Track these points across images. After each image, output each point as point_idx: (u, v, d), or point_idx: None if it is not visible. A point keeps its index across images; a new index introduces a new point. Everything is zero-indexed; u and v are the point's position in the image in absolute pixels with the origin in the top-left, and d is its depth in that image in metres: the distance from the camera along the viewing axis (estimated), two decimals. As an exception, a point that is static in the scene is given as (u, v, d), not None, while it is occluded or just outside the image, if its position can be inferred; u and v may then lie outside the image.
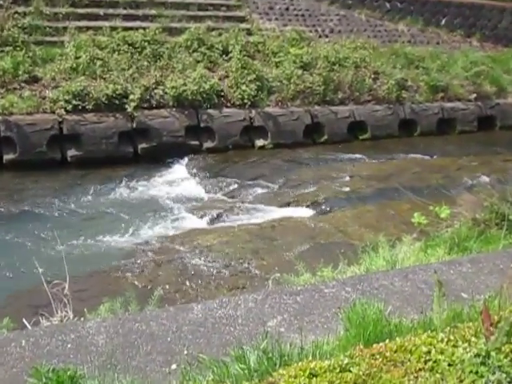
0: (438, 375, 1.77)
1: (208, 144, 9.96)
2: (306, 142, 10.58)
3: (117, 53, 10.08)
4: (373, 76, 11.68)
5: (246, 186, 8.59)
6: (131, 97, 9.36)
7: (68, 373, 1.92)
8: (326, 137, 10.79)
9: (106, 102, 9.17)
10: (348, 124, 11.00)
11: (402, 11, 14.45)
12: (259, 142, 10.27)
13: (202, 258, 5.98)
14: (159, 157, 9.33)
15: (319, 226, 6.90)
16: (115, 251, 6.20)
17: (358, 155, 10.19)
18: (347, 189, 8.40)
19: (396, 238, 4.84)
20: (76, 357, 2.36)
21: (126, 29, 10.64)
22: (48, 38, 10.15)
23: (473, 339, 1.90)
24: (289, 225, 6.99)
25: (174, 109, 9.73)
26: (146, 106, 9.53)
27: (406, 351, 1.89)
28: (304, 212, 7.62)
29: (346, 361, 1.85)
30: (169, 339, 2.51)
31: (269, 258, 6.01)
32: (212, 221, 7.24)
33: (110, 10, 11.13)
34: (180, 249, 6.24)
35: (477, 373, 1.71)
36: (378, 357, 1.87)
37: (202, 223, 7.19)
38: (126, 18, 11.14)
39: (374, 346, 1.97)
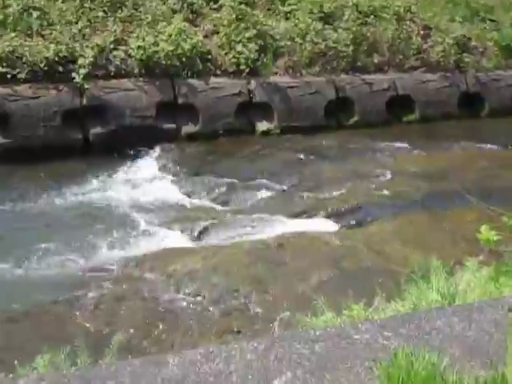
0: None
1: (189, 128, 10.00)
2: (329, 124, 10.61)
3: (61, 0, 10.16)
4: (422, 32, 11.81)
5: (244, 187, 8.63)
6: (80, 61, 9.42)
7: None
8: (356, 118, 10.85)
9: (46, 68, 9.24)
10: (387, 100, 11.04)
11: None
12: (262, 126, 10.33)
13: (181, 290, 5.98)
14: (119, 146, 9.33)
15: (346, 245, 6.90)
16: (59, 280, 6.23)
17: (401, 144, 10.22)
18: (386, 192, 8.43)
19: (455, 261, 4.89)
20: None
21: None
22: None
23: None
24: (303, 243, 6.99)
25: (141, 78, 9.81)
26: (100, 74, 9.61)
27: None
28: (325, 225, 7.65)
29: None
30: (134, 406, 2.57)
31: (275, 289, 6.00)
32: (195, 237, 7.29)
33: None
34: (149, 277, 6.25)
35: None
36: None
37: (182, 240, 7.23)
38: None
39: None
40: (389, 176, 8.93)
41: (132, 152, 9.45)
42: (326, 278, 6.16)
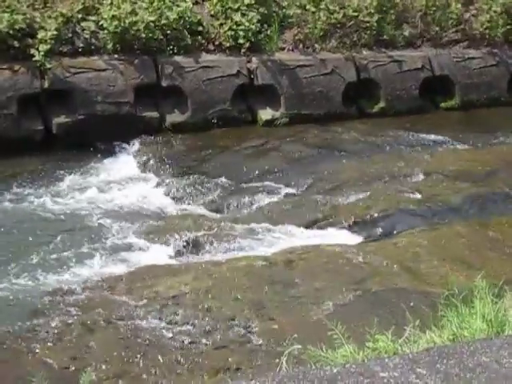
0: None
1: (175, 117, 10.02)
2: (348, 112, 10.63)
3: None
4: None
5: (243, 191, 8.61)
6: (41, 35, 9.41)
7: None
8: (382, 104, 10.87)
9: (-2, 43, 9.23)
10: (421, 81, 11.05)
11: None
12: (265, 114, 10.33)
13: (166, 318, 5.94)
14: (89, 139, 9.35)
15: (370, 262, 6.86)
16: (14, 306, 6.20)
17: (437, 136, 10.21)
18: (418, 195, 8.40)
19: (504, 281, 4.84)
20: None
21: None
22: None
23: None
24: (317, 260, 6.95)
25: (116, 56, 9.82)
26: (66, 50, 9.61)
27: None
28: (344, 237, 7.66)
29: None
30: None
31: (282, 316, 5.97)
32: (183, 252, 7.29)
33: None
34: (126, 301, 6.21)
35: None
36: None
37: (166, 256, 7.24)
38: None
39: None
40: (422, 176, 8.92)
41: (105, 147, 9.45)
42: (345, 302, 6.11)
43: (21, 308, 6.16)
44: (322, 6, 10.81)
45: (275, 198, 8.48)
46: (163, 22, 9.97)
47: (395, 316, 5.15)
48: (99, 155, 9.36)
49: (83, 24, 9.80)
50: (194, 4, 10.54)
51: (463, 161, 9.46)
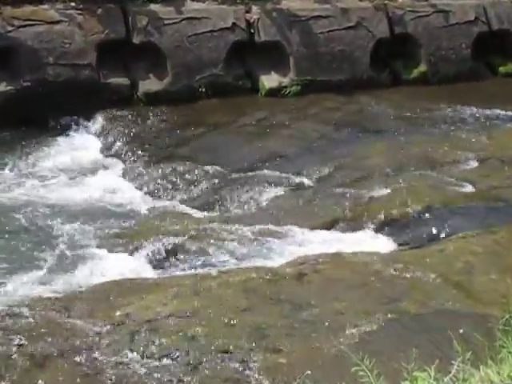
0: None
1: (150, 84, 10.12)
2: (378, 78, 10.78)
3: None
4: None
5: (239, 182, 8.68)
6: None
7: None
8: (422, 68, 10.99)
9: None
10: (474, 38, 11.13)
11: None
12: (269, 81, 10.45)
13: (139, 348, 5.82)
14: (37, 113, 9.40)
15: (407, 275, 6.80)
16: None
17: (495, 111, 10.26)
18: (471, 188, 8.48)
19: None
20: None
21: None
22: None
23: None
24: (337, 272, 6.91)
25: (73, 4, 9.91)
26: (7, -4, 9.65)
27: None
28: (372, 241, 7.69)
29: None
30: None
31: (291, 347, 5.86)
32: (160, 262, 7.32)
33: None
34: (86, 327, 6.12)
35: None
36: None
37: (138, 268, 7.25)
38: None
39: None
40: (476, 163, 8.97)
41: (58, 123, 9.51)
42: (374, 328, 6.00)
43: None
44: None
45: (282, 192, 8.51)
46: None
47: (440, 347, 5.12)
48: (50, 135, 9.41)
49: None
50: None
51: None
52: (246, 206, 8.31)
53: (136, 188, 8.65)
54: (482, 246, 7.29)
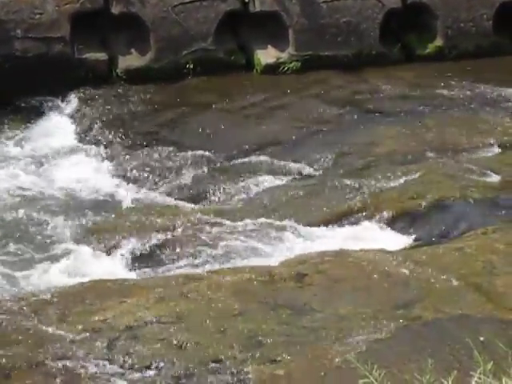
0: None
1: (131, 60, 10.13)
2: (389, 54, 10.72)
3: None
4: None
5: (231, 170, 8.81)
6: None
7: None
8: (439, 42, 10.89)
9: None
10: (496, 8, 10.96)
11: None
12: (266, 56, 10.40)
13: (118, 359, 5.88)
14: (4, 93, 9.37)
15: (421, 276, 6.83)
16: None
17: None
18: (493, 178, 8.43)
19: None
20: None
21: None
22: None
23: None
24: (342, 272, 6.95)
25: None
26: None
27: None
28: (382, 237, 7.72)
29: None
30: None
31: (290, 357, 5.89)
32: (142, 261, 7.41)
33: None
34: (58, 333, 6.14)
35: None
36: None
37: (117, 267, 7.38)
38: None
39: None
40: (498, 150, 9.01)
41: (27, 104, 9.52)
42: (383, 335, 6.05)
43: None
44: None
45: (279, 182, 8.58)
46: None
47: (457, 356, 5.27)
48: (19, 117, 9.48)
49: None
50: None
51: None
52: (238, 198, 8.36)
53: (116, 177, 8.70)
54: (504, 243, 7.34)
